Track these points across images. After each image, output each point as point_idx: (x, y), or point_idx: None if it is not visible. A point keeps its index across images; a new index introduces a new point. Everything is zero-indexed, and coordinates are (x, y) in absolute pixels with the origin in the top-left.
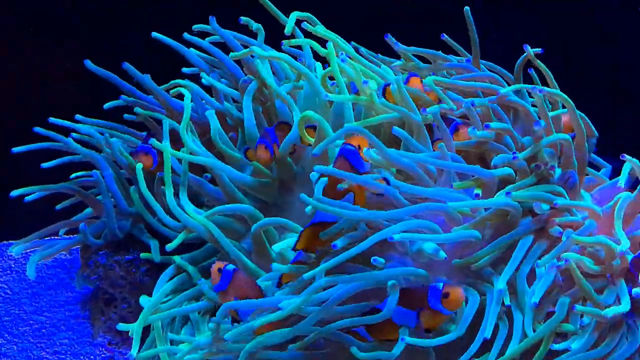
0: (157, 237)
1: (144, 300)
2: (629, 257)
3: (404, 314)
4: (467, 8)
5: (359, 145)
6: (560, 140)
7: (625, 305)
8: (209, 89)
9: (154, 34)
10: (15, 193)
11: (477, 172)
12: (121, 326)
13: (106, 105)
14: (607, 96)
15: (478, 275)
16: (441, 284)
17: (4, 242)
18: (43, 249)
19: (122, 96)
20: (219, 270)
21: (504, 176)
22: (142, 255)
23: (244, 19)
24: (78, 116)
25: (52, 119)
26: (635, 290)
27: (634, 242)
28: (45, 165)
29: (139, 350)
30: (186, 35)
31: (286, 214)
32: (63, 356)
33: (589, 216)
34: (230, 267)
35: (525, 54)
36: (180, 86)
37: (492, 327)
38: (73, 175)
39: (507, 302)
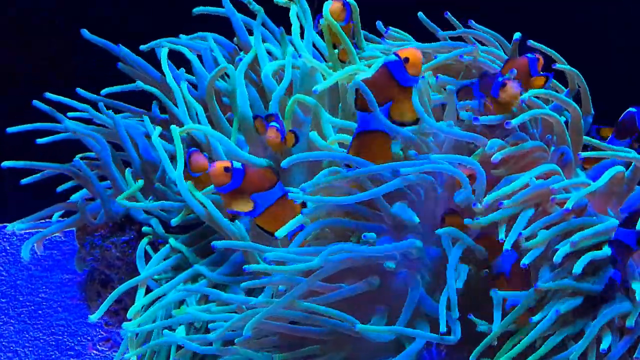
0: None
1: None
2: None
3: None
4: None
5: (406, 58)
6: (549, 118)
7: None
8: None
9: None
10: (6, 164)
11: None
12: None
13: (104, 91)
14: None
15: None
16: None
17: None
18: (38, 231)
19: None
20: (226, 169)
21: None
22: (144, 229)
23: None
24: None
25: (47, 94)
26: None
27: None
28: (40, 141)
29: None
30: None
31: None
32: (60, 337)
33: None
34: (238, 164)
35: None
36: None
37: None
38: (78, 156)
39: None
